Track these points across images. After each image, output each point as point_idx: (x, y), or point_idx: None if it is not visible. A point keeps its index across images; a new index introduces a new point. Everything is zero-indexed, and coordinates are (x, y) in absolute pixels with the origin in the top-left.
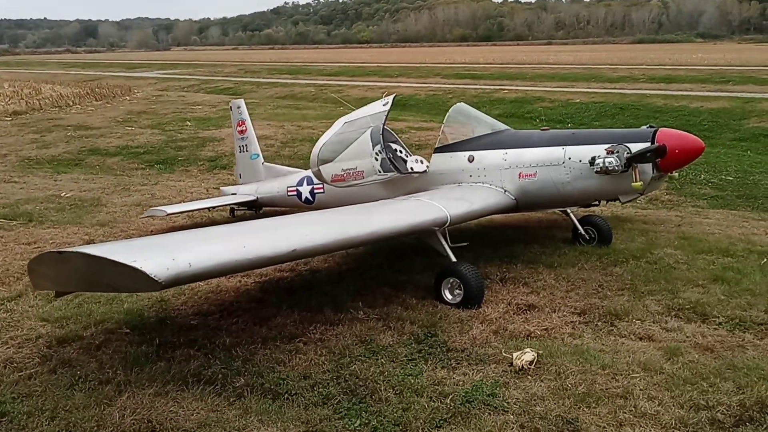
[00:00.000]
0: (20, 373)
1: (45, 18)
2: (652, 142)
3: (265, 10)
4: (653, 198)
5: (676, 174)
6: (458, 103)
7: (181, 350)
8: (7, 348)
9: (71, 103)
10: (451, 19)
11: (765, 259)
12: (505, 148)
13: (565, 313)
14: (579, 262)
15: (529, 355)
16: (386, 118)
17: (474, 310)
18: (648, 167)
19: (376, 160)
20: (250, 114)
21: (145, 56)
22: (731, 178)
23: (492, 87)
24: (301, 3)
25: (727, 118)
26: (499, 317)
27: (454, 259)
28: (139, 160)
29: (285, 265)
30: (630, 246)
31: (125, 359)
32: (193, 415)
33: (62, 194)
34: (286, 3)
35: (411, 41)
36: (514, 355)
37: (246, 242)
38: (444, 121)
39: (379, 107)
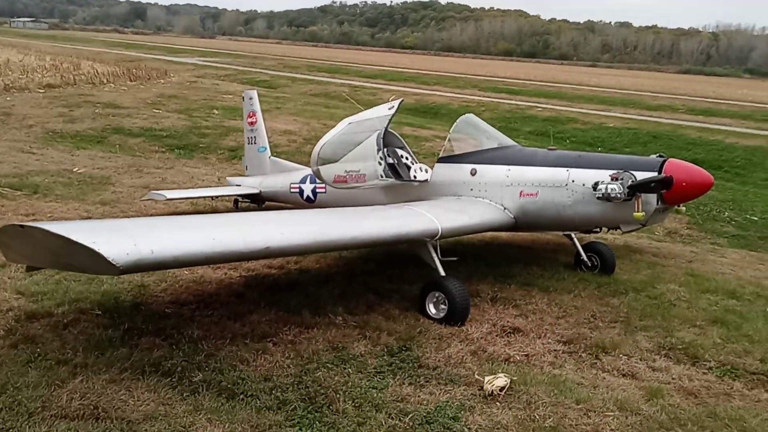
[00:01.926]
0: None
1: None
2: (659, 173)
3: (312, 7)
4: (672, 231)
5: (683, 208)
6: (467, 114)
7: (147, 338)
8: None
9: (105, 81)
10: (496, 33)
11: None
12: (509, 165)
13: (550, 340)
14: (576, 289)
15: (501, 381)
16: (389, 122)
17: (456, 328)
18: (652, 198)
19: (380, 164)
20: (279, 108)
21: (189, 42)
22: (756, 219)
23: (527, 104)
24: (348, 3)
25: (761, 156)
26: (481, 337)
27: (443, 273)
28: (161, 143)
29: (275, 261)
30: (633, 278)
31: (89, 341)
32: (142, 406)
33: (75, 169)
34: (333, 2)
35: (454, 51)
36: (486, 379)
37: (217, 234)
38: (450, 131)
39: (385, 111)
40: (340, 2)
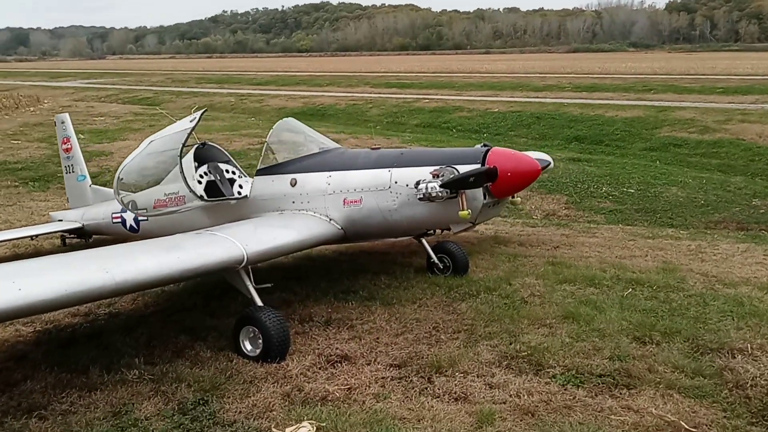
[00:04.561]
0: None
1: None
2: (483, 164)
3: (203, 18)
4: (550, 212)
5: (519, 199)
6: (285, 118)
7: None
8: None
9: None
10: (390, 29)
11: (629, 290)
12: (329, 171)
13: (380, 365)
14: (424, 297)
15: None
16: (188, 136)
17: (275, 365)
18: (478, 193)
19: (199, 183)
20: (152, 126)
21: (75, 65)
22: (633, 191)
23: (415, 96)
24: (240, 11)
25: (640, 127)
26: (301, 373)
27: (259, 302)
28: (15, 177)
29: (82, 308)
30: (488, 275)
31: None
32: None
33: None
34: (224, 11)
35: (350, 50)
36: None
37: None
38: (267, 139)
39: (186, 124)
40: (231, 11)
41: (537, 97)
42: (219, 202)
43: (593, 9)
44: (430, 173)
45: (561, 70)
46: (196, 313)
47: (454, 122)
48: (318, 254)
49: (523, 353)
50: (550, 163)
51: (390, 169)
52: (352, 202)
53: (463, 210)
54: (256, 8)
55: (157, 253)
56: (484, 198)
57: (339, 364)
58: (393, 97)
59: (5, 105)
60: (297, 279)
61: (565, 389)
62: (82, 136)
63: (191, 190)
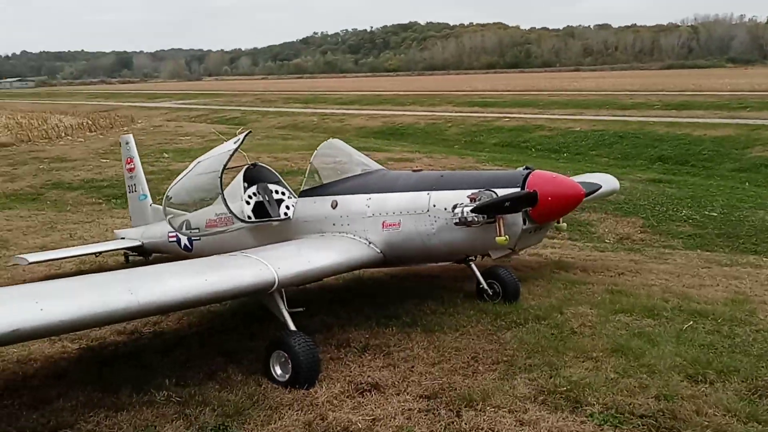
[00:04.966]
0: None
1: (82, 50)
2: (522, 188)
3: (295, 40)
4: (624, 236)
5: (564, 225)
6: (330, 139)
7: None
8: None
9: (63, 135)
10: (477, 47)
11: (690, 323)
12: (369, 193)
13: (409, 396)
14: (468, 325)
15: None
16: (230, 157)
17: (303, 391)
18: (517, 218)
19: (247, 203)
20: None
21: (173, 86)
22: (715, 214)
23: (495, 115)
24: (330, 33)
25: (729, 146)
26: (327, 401)
27: (292, 327)
28: (99, 194)
29: (129, 325)
30: (540, 303)
31: None
32: None
33: None
34: (315, 33)
35: (437, 69)
36: None
37: None
38: (311, 160)
39: (230, 145)
40: (322, 32)
41: (623, 116)
42: (260, 224)
43: (689, 24)
44: (468, 197)
45: (652, 88)
46: (236, 335)
47: (533, 141)
48: (369, 276)
49: (562, 388)
50: (600, 187)
51: (429, 192)
52: (390, 225)
53: (500, 236)
54: (346, 29)
55: (185, 275)
56: (524, 223)
57: (368, 393)
58: (473, 116)
59: (101, 125)
60: (341, 302)
61: (601, 429)
62: (167, 155)
63: (230, 211)
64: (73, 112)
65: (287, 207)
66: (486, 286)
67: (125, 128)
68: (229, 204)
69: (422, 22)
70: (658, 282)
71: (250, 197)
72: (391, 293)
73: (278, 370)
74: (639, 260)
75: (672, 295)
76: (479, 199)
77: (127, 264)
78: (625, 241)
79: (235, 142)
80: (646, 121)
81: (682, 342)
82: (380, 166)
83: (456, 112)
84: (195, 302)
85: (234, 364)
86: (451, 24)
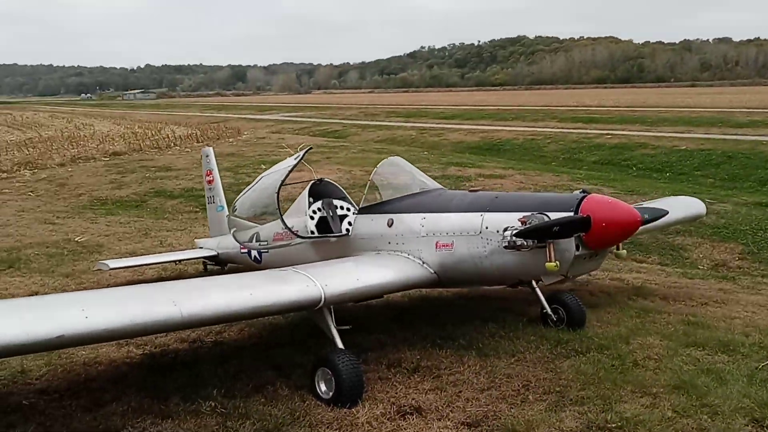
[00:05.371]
0: None
1: (200, 64)
2: (576, 212)
3: (402, 54)
4: (719, 263)
5: (624, 251)
6: (391, 157)
7: None
8: None
9: (172, 145)
10: (587, 61)
11: (765, 362)
12: (424, 212)
13: (451, 422)
14: (526, 351)
15: None
16: (289, 173)
17: (345, 410)
18: (569, 244)
19: (311, 218)
20: (329, 158)
21: (283, 99)
22: None
23: (598, 132)
24: (437, 47)
25: None
26: (367, 422)
27: (339, 345)
28: (197, 203)
29: (193, 333)
30: (606, 331)
31: None
32: None
33: (77, 239)
34: (422, 47)
35: (545, 83)
36: None
37: None
38: (371, 177)
39: (290, 161)
40: (429, 47)
41: (735, 134)
42: (320, 240)
43: None
44: (519, 219)
45: None
46: (290, 349)
47: (635, 160)
48: (435, 296)
49: (613, 424)
50: (665, 213)
51: (482, 213)
52: (444, 245)
53: (550, 261)
54: (453, 43)
55: (230, 289)
56: (577, 249)
57: (409, 416)
58: (574, 132)
59: (209, 136)
60: (400, 321)
61: None
62: (264, 167)
63: (285, 226)
64: (186, 123)
65: (349, 223)
66: (550, 312)
67: (231, 139)
68: (293, 218)
69: (531, 36)
70: (743, 315)
71: (314, 212)
72: (453, 313)
73: (323, 387)
74: (728, 290)
75: (754, 329)
76: (530, 223)
77: (205, 272)
78: (720, 268)
79: (295, 158)
80: (760, 141)
81: (754, 382)
82: (438, 185)
83: (558, 128)
84: (238, 316)
85: (283, 378)
86: (561, 38)
